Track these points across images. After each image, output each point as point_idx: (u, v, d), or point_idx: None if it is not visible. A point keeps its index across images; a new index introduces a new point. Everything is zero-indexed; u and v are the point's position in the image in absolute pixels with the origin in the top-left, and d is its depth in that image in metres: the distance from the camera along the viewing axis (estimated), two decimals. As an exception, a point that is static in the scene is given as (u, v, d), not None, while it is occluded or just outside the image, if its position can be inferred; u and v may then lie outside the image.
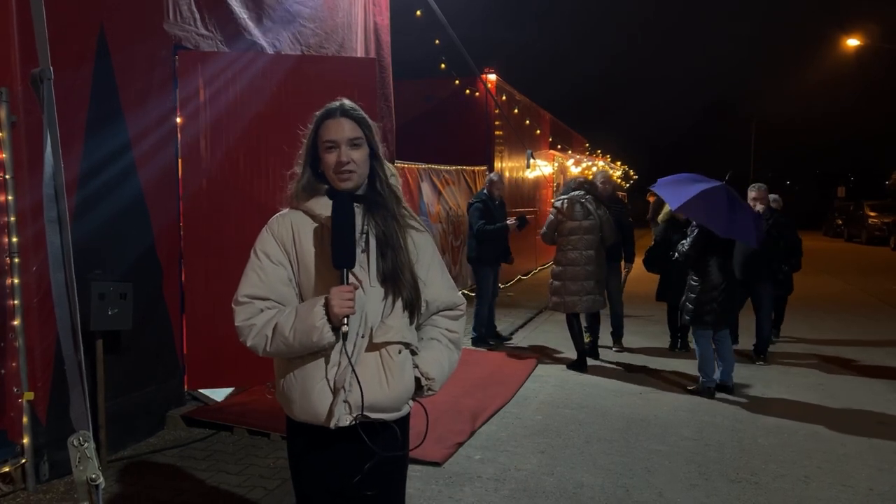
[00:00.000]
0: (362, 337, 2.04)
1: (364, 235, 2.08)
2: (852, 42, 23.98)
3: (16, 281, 3.82)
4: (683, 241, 6.11)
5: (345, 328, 1.97)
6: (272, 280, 2.06)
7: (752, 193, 7.01)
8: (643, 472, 4.35)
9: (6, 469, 3.80)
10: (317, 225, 2.08)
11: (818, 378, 6.66)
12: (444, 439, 4.67)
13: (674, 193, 6.08)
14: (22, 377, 3.85)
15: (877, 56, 31.99)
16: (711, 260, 5.92)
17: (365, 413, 2.01)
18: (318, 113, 2.15)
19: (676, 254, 6.18)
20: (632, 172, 35.37)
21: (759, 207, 6.88)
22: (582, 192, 6.79)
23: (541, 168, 16.17)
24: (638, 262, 7.70)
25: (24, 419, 3.85)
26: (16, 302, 3.83)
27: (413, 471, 4.13)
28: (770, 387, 6.32)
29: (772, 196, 7.53)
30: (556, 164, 17.99)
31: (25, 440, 3.85)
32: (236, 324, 2.06)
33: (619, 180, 27.63)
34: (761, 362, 7.11)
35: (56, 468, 3.99)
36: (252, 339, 2.03)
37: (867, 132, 51.23)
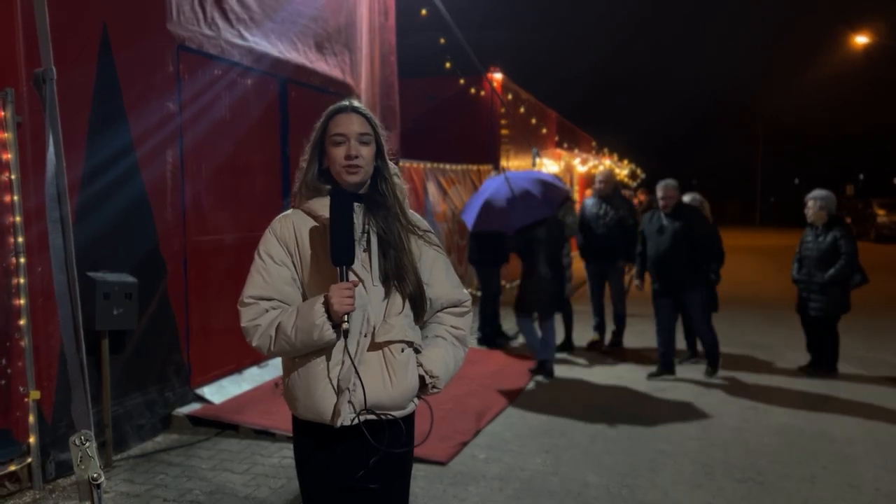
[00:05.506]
0: (365, 336, 2.04)
1: (365, 235, 2.08)
2: (860, 40, 23.85)
3: (22, 281, 3.84)
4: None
5: (345, 325, 1.97)
6: (276, 280, 2.07)
7: (658, 193, 6.28)
8: (648, 471, 4.34)
9: (12, 468, 3.82)
10: (317, 225, 2.08)
11: (824, 377, 6.62)
12: (448, 439, 4.67)
13: (469, 215, 6.50)
14: (28, 376, 3.87)
15: (885, 54, 31.76)
16: (539, 255, 6.19)
17: (369, 408, 2.02)
18: (327, 110, 2.16)
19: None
20: (639, 171, 35.19)
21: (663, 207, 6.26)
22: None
23: (547, 167, 16.13)
24: None
25: (30, 418, 3.87)
26: (22, 302, 3.85)
27: (418, 470, 4.13)
28: (775, 386, 6.29)
29: (692, 196, 6.92)
30: (562, 163, 17.95)
31: (31, 439, 3.87)
32: (242, 324, 2.07)
33: (625, 179, 27.53)
34: (709, 374, 6.47)
35: (62, 467, 4.01)
36: (257, 340, 2.05)
37: (875, 130, 50.93)
